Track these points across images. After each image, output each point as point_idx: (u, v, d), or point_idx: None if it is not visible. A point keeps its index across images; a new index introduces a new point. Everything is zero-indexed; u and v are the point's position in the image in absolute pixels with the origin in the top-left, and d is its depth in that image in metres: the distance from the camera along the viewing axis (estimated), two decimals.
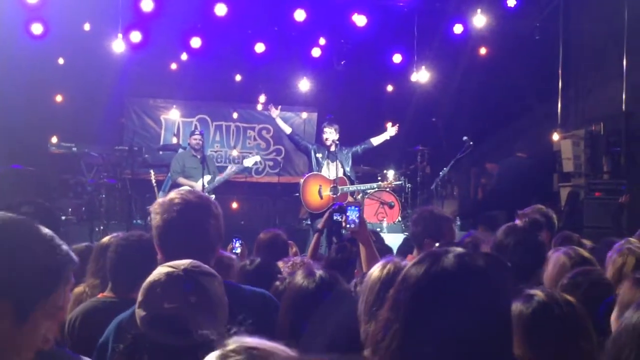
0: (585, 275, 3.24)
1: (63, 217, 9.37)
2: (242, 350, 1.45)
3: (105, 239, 4.17)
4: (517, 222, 4.62)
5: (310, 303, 2.54)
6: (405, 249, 5.24)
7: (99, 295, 3.55)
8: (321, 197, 9.59)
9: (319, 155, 9.87)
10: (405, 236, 9.23)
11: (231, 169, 10.38)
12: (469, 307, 1.58)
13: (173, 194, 2.87)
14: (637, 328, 1.61)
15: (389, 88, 13.17)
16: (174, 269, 2.18)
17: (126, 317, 2.55)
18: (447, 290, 1.60)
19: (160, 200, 2.86)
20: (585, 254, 3.91)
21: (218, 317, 2.14)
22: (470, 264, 1.63)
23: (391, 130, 10.34)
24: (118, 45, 10.34)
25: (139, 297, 2.18)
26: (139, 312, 2.16)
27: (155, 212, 2.80)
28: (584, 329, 2.25)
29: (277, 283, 3.44)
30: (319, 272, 2.65)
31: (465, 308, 1.57)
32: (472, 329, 1.56)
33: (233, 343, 1.47)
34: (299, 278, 2.67)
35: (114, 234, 4.28)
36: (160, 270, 2.20)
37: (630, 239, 4.27)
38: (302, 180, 9.82)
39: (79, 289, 4.01)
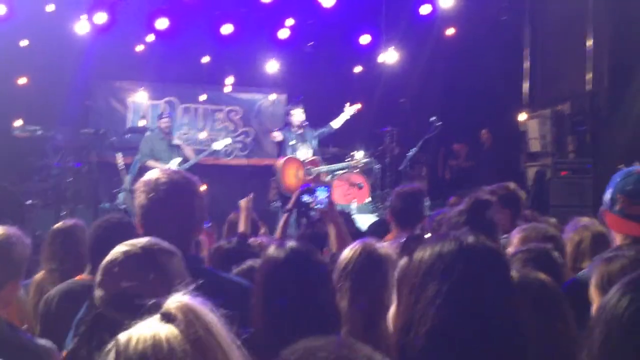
0: (531, 251, 3.26)
1: (28, 202, 9.24)
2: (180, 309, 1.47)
3: (59, 224, 4.18)
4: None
5: (283, 273, 2.52)
6: (376, 229, 5.25)
7: (77, 278, 3.53)
8: (297, 179, 9.60)
9: (292, 142, 9.88)
10: (375, 217, 9.27)
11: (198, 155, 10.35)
12: (494, 282, 1.68)
13: (158, 173, 2.84)
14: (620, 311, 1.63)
15: (357, 69, 13.14)
16: (132, 247, 2.16)
17: None
18: (478, 268, 1.68)
19: (145, 178, 2.84)
20: (551, 230, 3.95)
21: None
22: (487, 243, 1.75)
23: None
24: (82, 27, 10.18)
25: (97, 277, 2.17)
26: (98, 292, 2.14)
27: (140, 190, 2.78)
28: (558, 309, 2.26)
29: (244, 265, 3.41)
30: (290, 243, 2.64)
31: (491, 283, 1.68)
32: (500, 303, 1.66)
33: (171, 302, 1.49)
34: (271, 250, 2.65)
35: (66, 220, 4.31)
36: (118, 249, 2.18)
37: (583, 218, 4.32)
38: (280, 164, 9.80)
39: (39, 276, 4.00)
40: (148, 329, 1.46)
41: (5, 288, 2.61)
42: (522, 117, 11.88)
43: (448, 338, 1.60)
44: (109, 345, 1.47)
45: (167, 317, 1.47)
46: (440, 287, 1.65)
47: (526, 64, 12.44)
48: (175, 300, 1.50)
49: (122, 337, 1.47)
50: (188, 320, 1.47)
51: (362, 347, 1.04)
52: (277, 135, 10.27)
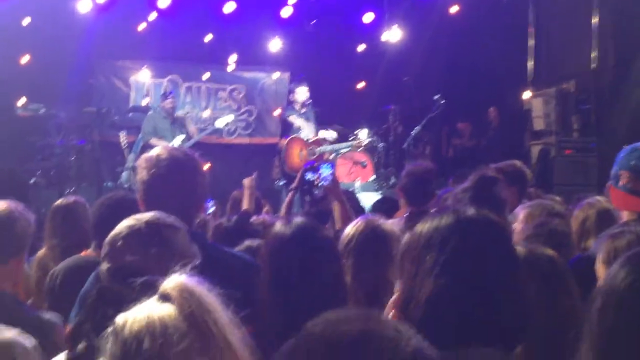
0: (544, 226, 3.26)
1: (32, 180, 9.24)
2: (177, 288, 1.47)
3: (59, 201, 4.21)
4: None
5: (290, 250, 2.52)
6: (380, 207, 5.24)
7: (82, 253, 3.54)
8: (301, 159, 9.59)
9: (298, 120, 9.87)
10: (379, 195, 9.26)
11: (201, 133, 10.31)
12: (494, 254, 1.68)
13: (159, 150, 2.84)
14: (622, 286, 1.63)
15: (361, 47, 13.08)
16: (136, 222, 2.16)
17: None
18: (475, 240, 1.69)
19: (146, 155, 2.84)
20: (557, 206, 3.95)
21: (182, 269, 2.12)
22: (489, 216, 1.76)
23: None
24: (85, 5, 10.13)
25: (103, 251, 2.18)
26: (103, 266, 2.15)
27: (142, 167, 2.79)
28: (565, 284, 2.25)
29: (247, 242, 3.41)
30: (296, 219, 2.63)
31: (491, 255, 1.68)
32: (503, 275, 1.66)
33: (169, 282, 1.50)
34: (277, 226, 2.65)
35: (67, 197, 4.34)
36: (123, 224, 2.18)
37: (596, 197, 4.32)
38: (284, 143, 9.79)
39: (41, 253, 4.03)
40: (144, 310, 1.46)
41: (9, 263, 2.62)
42: (527, 95, 11.83)
43: (444, 309, 1.60)
44: (109, 329, 1.48)
45: (164, 297, 1.48)
46: (437, 258, 1.66)
47: (531, 42, 12.36)
48: (172, 280, 1.51)
49: (120, 319, 1.47)
50: (184, 299, 1.47)
51: (387, 319, 1.03)
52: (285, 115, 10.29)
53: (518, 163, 4.99)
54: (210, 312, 1.47)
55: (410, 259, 1.73)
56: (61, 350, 2.16)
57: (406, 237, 1.82)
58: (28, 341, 1.96)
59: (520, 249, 2.28)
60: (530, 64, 12.37)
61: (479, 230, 1.71)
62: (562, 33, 11.67)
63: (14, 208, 2.67)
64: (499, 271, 1.66)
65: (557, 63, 11.79)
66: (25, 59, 11.49)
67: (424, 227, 1.74)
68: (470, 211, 1.74)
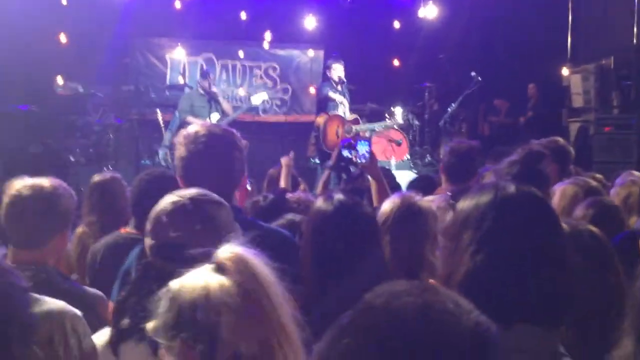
0: (596, 204, 3.22)
1: (72, 159, 9.36)
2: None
3: (96, 178, 4.25)
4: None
5: (331, 226, 2.52)
6: (417, 185, 5.22)
7: (122, 231, 3.58)
8: (338, 137, 9.58)
9: (335, 96, 9.83)
10: (414, 174, 9.23)
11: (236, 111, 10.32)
12: (535, 231, 1.68)
13: (198, 126, 2.86)
14: None
15: (396, 24, 12.97)
16: (180, 198, 2.18)
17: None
18: (514, 216, 1.68)
19: (185, 132, 2.86)
20: (594, 183, 3.91)
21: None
22: (532, 192, 1.75)
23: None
24: None
25: (147, 226, 2.20)
26: (147, 241, 2.18)
27: (180, 143, 2.81)
28: (609, 261, 2.23)
29: (289, 215, 3.44)
30: (337, 195, 2.64)
31: (533, 231, 1.67)
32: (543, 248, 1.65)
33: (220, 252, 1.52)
34: (318, 203, 2.65)
35: (104, 173, 4.38)
36: (167, 199, 2.20)
37: (632, 171, 4.26)
38: (321, 120, 9.76)
39: (80, 229, 4.08)
40: (200, 278, 1.48)
41: (54, 238, 2.67)
42: (565, 71, 11.65)
43: (481, 286, 1.59)
44: (161, 292, 1.49)
45: (220, 268, 1.49)
46: (474, 235, 1.67)
47: (570, 17, 12.15)
48: (228, 251, 1.52)
49: (174, 284, 1.49)
50: (239, 271, 1.48)
51: (447, 291, 1.03)
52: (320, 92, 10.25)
53: (561, 140, 4.93)
54: (265, 286, 1.49)
55: (449, 236, 1.74)
56: (105, 325, 2.21)
57: (449, 214, 1.82)
58: (76, 310, 2.01)
59: (563, 225, 2.27)
60: (569, 39, 12.16)
61: (518, 206, 1.70)
62: (602, 8, 11.44)
63: (58, 185, 2.72)
64: (540, 247, 1.65)
65: (597, 39, 11.57)
66: (63, 39, 11.62)
67: (464, 204, 1.75)
68: (511, 187, 1.73)
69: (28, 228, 2.61)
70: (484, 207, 1.70)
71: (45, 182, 2.70)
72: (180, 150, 2.81)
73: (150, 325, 1.53)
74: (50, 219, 2.65)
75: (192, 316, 1.45)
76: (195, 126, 2.90)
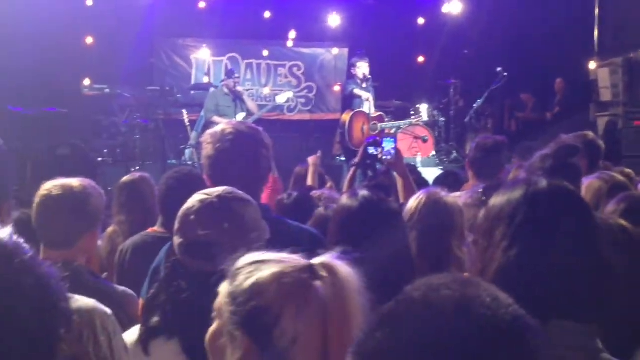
0: (627, 199, 3.17)
1: (99, 159, 9.45)
2: (246, 265, 1.49)
3: (125, 178, 4.29)
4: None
5: (356, 222, 2.52)
6: (443, 182, 5.20)
7: (150, 230, 3.61)
8: (363, 135, 9.57)
9: (361, 93, 9.83)
10: (440, 170, 9.19)
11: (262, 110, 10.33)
12: (568, 226, 1.66)
13: (224, 125, 2.88)
14: None
15: (420, 20, 12.93)
16: (208, 196, 2.19)
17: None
18: (546, 211, 1.67)
19: (211, 131, 2.88)
20: (620, 177, 3.86)
21: (253, 242, 2.14)
22: (565, 187, 1.74)
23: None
24: None
25: (175, 225, 2.21)
26: (176, 240, 2.18)
27: (207, 142, 2.83)
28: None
29: (320, 209, 3.45)
30: (362, 192, 2.63)
31: (565, 226, 1.65)
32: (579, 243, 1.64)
33: (240, 261, 1.52)
34: (343, 199, 2.65)
35: (133, 173, 4.41)
36: (195, 198, 2.21)
37: None
38: (346, 117, 9.76)
39: (110, 229, 4.12)
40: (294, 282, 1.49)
41: (84, 237, 2.70)
42: (592, 65, 11.53)
43: (512, 282, 1.57)
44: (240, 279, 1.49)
45: (313, 273, 1.49)
46: (507, 231, 1.66)
47: (597, 10, 12.01)
48: (322, 259, 1.53)
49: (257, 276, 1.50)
50: (332, 282, 1.49)
51: (487, 285, 1.03)
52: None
53: (591, 134, 4.88)
54: (352, 298, 1.49)
55: (482, 232, 1.74)
56: (135, 324, 2.22)
57: (480, 210, 1.81)
58: (106, 309, 2.03)
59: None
60: (596, 33, 12.03)
61: (550, 201, 1.69)
62: (629, 1, 11.31)
63: (87, 185, 2.74)
64: (573, 242, 1.63)
65: (624, 32, 11.43)
66: (89, 40, 11.72)
67: (496, 200, 1.74)
68: (543, 182, 1.72)
69: (58, 227, 2.64)
70: (516, 203, 1.69)
71: (74, 182, 2.73)
72: (207, 149, 2.83)
73: (217, 304, 1.53)
74: (80, 218, 2.68)
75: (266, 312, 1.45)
76: (222, 125, 2.92)
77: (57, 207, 2.65)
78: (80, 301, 1.94)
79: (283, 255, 1.53)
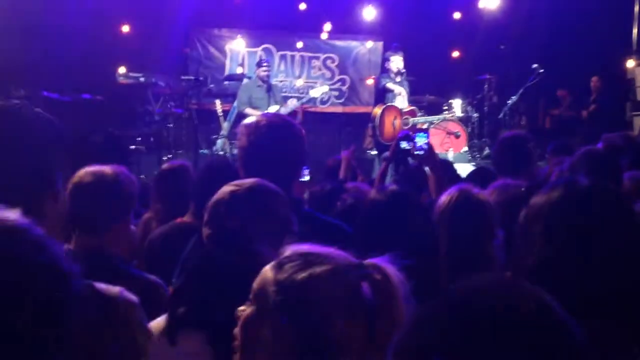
0: None
1: (132, 147, 9.53)
2: (297, 257, 1.47)
3: (165, 165, 4.31)
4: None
5: (385, 216, 2.50)
6: (474, 178, 5.15)
7: (178, 220, 3.62)
8: (394, 129, 9.52)
9: (394, 87, 9.77)
10: (472, 166, 9.13)
11: (293, 102, 10.28)
12: (606, 227, 1.65)
13: (259, 117, 2.91)
14: None
15: (456, 15, 12.83)
16: (238, 188, 2.19)
17: None
18: (590, 209, 1.67)
19: (246, 122, 2.92)
20: None
21: (281, 235, 2.14)
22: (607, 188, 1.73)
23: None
24: None
25: (205, 216, 2.21)
26: (205, 231, 2.19)
27: (242, 133, 2.86)
28: None
29: (338, 203, 3.44)
30: (391, 187, 2.62)
31: (603, 228, 1.64)
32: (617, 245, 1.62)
33: (288, 252, 1.51)
34: (372, 193, 2.64)
35: (173, 161, 4.43)
36: (225, 189, 2.21)
37: None
38: (378, 111, 9.71)
39: (146, 215, 4.14)
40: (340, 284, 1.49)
41: (117, 224, 2.72)
42: (630, 64, 11.35)
43: (548, 280, 1.54)
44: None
45: (365, 276, 1.49)
46: (545, 229, 1.66)
47: (636, 8, 11.81)
48: (377, 264, 1.53)
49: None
50: (382, 287, 1.49)
51: (531, 289, 1.01)
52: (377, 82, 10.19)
53: (631, 134, 4.81)
54: (400, 304, 1.49)
55: (521, 230, 1.73)
56: (163, 312, 2.23)
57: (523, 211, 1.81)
58: (132, 297, 2.02)
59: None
60: (634, 30, 11.83)
61: (590, 201, 1.68)
62: None
63: (120, 172, 2.76)
64: (611, 243, 1.62)
65: None
66: (125, 29, 11.81)
67: (536, 199, 1.74)
68: (584, 182, 1.72)
69: (90, 214, 2.67)
70: (554, 204, 1.69)
71: (107, 169, 2.75)
72: (242, 141, 2.86)
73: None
74: (112, 204, 2.70)
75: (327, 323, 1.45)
76: (257, 117, 2.95)
77: (89, 194, 2.67)
78: (105, 290, 1.92)
79: (330, 251, 1.52)
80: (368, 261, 1.52)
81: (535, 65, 10.39)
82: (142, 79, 10.50)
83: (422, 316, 0.99)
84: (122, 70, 10.75)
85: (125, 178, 2.77)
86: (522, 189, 3.22)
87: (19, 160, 1.95)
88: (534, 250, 1.65)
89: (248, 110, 9.73)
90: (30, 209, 1.29)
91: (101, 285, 1.90)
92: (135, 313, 2.00)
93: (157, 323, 2.13)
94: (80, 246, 2.62)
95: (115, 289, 1.98)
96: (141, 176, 8.18)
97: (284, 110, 9.85)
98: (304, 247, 1.54)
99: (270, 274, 1.50)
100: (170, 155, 9.75)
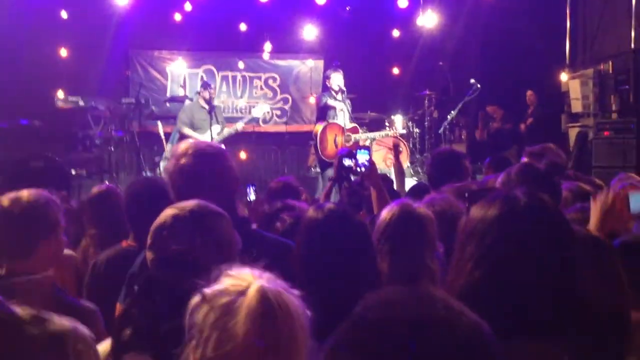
0: (583, 211, 3.21)
1: (73, 171, 9.40)
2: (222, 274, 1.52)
3: (93, 191, 4.29)
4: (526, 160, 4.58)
5: (321, 234, 2.52)
6: (416, 193, 5.24)
7: (123, 244, 3.60)
8: (336, 146, 9.58)
9: (336, 104, 9.83)
10: (415, 181, 9.25)
11: (239, 124, 10.27)
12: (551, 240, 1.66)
13: (185, 143, 2.93)
14: None
15: (395, 33, 13.02)
16: (181, 211, 2.20)
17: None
18: (526, 228, 1.67)
19: (174, 147, 2.93)
20: (587, 187, 3.92)
21: (226, 256, 2.16)
22: (543, 201, 1.73)
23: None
24: None
25: (148, 240, 2.22)
26: (149, 255, 2.20)
27: (169, 158, 2.87)
28: (612, 268, 2.19)
29: (278, 224, 3.46)
30: (328, 205, 2.65)
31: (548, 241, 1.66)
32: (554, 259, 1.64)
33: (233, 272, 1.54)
34: (309, 212, 2.66)
35: (99, 185, 4.41)
36: (167, 213, 2.22)
37: (630, 174, 4.26)
38: (319, 129, 9.75)
39: (83, 242, 4.11)
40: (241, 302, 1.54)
41: (40, 246, 2.72)
42: (564, 77, 11.68)
43: (481, 297, 1.57)
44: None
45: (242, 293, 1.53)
46: (479, 246, 1.66)
47: (568, 23, 12.17)
48: (256, 284, 1.57)
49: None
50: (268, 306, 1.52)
51: (440, 296, 1.02)
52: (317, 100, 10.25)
53: (554, 147, 4.96)
54: (292, 320, 1.51)
55: (458, 244, 1.74)
56: (99, 339, 2.22)
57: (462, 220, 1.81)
58: (86, 332, 1.97)
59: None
60: (567, 45, 12.19)
61: (527, 217, 1.68)
62: (600, 13, 11.47)
63: (38, 194, 2.78)
64: (547, 259, 1.64)
65: (595, 43, 11.60)
66: (64, 52, 11.66)
67: (473, 213, 1.74)
68: (521, 199, 1.71)
69: (12, 238, 2.68)
70: (491, 219, 1.69)
71: (24, 192, 2.76)
72: (170, 164, 2.91)
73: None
74: (31, 227, 2.71)
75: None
76: (184, 143, 2.98)
77: (7, 219, 2.68)
78: (56, 323, 1.65)
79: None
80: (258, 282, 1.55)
81: (472, 81, 10.60)
82: (81, 103, 10.37)
83: (333, 341, 1.00)
84: (60, 94, 10.60)
85: (43, 199, 2.77)
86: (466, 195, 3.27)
87: None
88: (465, 269, 1.66)
89: (187, 131, 9.69)
90: None
91: (52, 319, 1.79)
92: (92, 353, 1.94)
93: (102, 347, 2.13)
94: (11, 271, 2.62)
95: (66, 323, 1.91)
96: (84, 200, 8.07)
97: (226, 132, 9.84)
98: (246, 269, 1.57)
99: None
100: (112, 178, 9.64)
